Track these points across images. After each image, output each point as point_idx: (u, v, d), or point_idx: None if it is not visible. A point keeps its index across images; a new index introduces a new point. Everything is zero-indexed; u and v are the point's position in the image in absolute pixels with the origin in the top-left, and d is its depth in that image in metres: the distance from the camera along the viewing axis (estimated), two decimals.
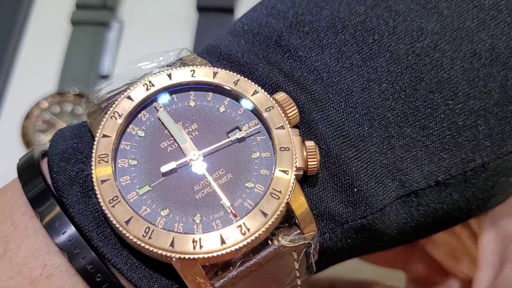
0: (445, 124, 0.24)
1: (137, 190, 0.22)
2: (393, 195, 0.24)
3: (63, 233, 0.21)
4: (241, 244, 0.21)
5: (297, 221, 0.22)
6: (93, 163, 0.22)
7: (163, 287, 0.22)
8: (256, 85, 0.24)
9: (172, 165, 0.22)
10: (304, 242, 0.22)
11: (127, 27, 0.63)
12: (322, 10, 0.25)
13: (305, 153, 0.22)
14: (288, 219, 0.22)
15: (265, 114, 0.23)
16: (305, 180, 0.24)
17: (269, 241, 0.22)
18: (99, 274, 0.21)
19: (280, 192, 0.21)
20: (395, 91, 0.24)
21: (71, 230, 0.21)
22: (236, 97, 0.24)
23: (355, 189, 0.23)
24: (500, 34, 0.24)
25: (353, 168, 0.23)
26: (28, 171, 0.23)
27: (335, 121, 0.24)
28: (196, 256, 0.20)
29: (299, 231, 0.22)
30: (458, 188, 0.25)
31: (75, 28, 0.61)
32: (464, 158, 0.24)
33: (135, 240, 0.20)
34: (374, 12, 0.25)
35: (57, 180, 0.23)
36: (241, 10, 0.62)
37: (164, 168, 0.22)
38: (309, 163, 0.22)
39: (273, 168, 0.22)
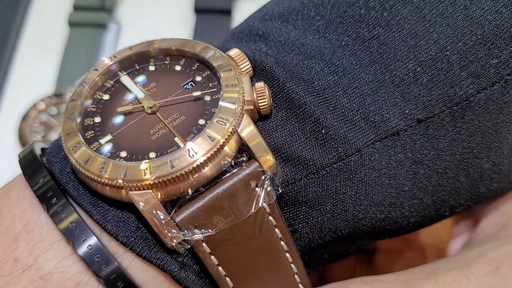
0: (412, 61, 0.24)
1: (99, 140, 0.23)
2: (369, 137, 0.23)
3: (43, 188, 0.23)
4: (190, 168, 0.21)
5: (251, 151, 0.23)
6: (61, 121, 0.24)
7: (132, 230, 0.22)
8: (209, 45, 0.26)
9: (127, 107, 0.24)
10: (259, 169, 0.22)
11: (124, 28, 0.63)
12: (290, 3, 0.28)
13: (254, 94, 0.24)
14: (246, 154, 0.23)
15: (214, 63, 0.25)
16: (262, 119, 0.24)
17: (223, 171, 0.22)
18: (73, 223, 0.22)
19: (226, 119, 0.22)
20: (356, 42, 0.25)
21: (50, 184, 0.23)
22: (190, 55, 0.26)
23: (323, 131, 0.23)
24: None
25: (318, 111, 0.23)
26: (24, 154, 0.25)
27: (298, 75, 0.24)
28: (147, 182, 0.21)
29: (257, 164, 0.22)
30: (448, 129, 0.24)
31: (73, 29, 0.61)
32: (443, 93, 0.24)
33: (92, 176, 0.21)
34: None
35: (48, 153, 0.25)
36: (238, 11, 0.62)
37: (121, 109, 0.24)
38: (259, 100, 0.23)
39: (219, 102, 0.23)
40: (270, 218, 0.24)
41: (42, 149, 0.26)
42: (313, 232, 0.25)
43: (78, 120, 0.24)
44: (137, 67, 0.26)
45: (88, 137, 0.23)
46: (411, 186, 0.25)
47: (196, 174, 0.21)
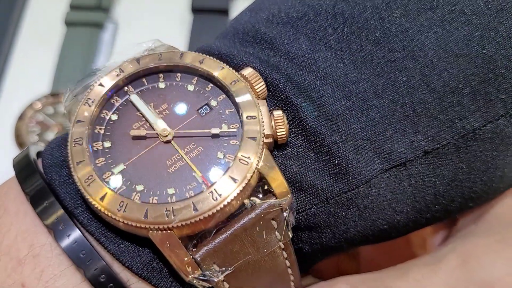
0: (425, 91, 0.24)
1: (112, 170, 0.22)
2: (378, 168, 0.24)
3: (48, 210, 0.22)
4: (214, 210, 0.21)
5: (271, 188, 0.22)
6: (68, 147, 0.22)
7: (146, 262, 0.22)
8: (223, 63, 0.25)
9: (141, 131, 0.23)
10: (280, 207, 0.22)
11: (121, 28, 0.63)
12: (295, 4, 0.26)
13: (273, 123, 0.23)
14: (264, 190, 0.23)
15: (231, 87, 0.24)
16: (278, 148, 0.24)
17: (244, 209, 0.22)
18: (83, 251, 0.21)
19: (248, 158, 0.22)
20: (370, 65, 0.24)
21: (56, 207, 0.22)
22: (203, 75, 0.25)
23: (336, 161, 0.23)
24: None
25: (332, 140, 0.23)
26: (21, 161, 0.24)
27: (311, 98, 0.24)
28: (170, 225, 0.21)
29: (274, 198, 0.22)
30: (452, 159, 0.24)
31: (69, 29, 0.61)
32: (451, 125, 0.24)
33: (110, 214, 0.21)
34: None
35: (47, 165, 0.23)
36: (235, 11, 0.62)
37: (133, 132, 0.23)
38: (278, 131, 0.23)
39: (241, 137, 0.23)
40: (284, 253, 0.24)
41: (38, 153, 0.25)
42: (314, 250, 0.26)
43: (86, 145, 0.22)
44: (146, 84, 0.25)
45: (99, 165, 0.22)
46: (409, 209, 0.25)
47: (218, 215, 0.21)
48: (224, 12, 0.61)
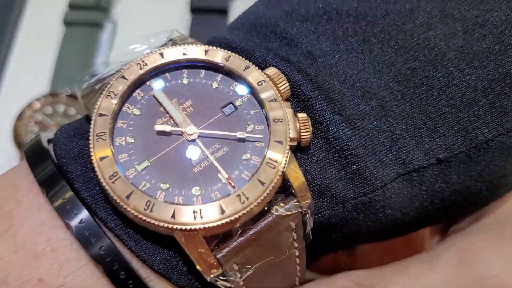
0: (443, 100, 0.24)
1: (136, 167, 0.22)
2: (394, 173, 0.24)
3: (67, 206, 0.21)
4: (240, 213, 0.21)
5: (293, 190, 0.22)
6: (91, 142, 0.22)
7: (166, 259, 0.22)
8: (248, 61, 0.24)
9: (166, 127, 0.23)
10: (300, 210, 0.22)
11: (120, 28, 0.63)
12: (316, 1, 0.26)
13: (297, 125, 0.23)
14: (284, 189, 0.23)
15: (257, 88, 0.23)
16: (300, 151, 0.24)
17: (268, 210, 0.22)
18: (103, 247, 0.21)
19: (276, 161, 0.22)
20: (390, 71, 0.24)
21: (75, 202, 0.21)
22: (228, 73, 0.24)
23: (354, 166, 0.23)
24: (491, 10, 0.24)
25: (352, 145, 0.23)
26: (33, 151, 0.23)
27: (332, 100, 0.24)
28: (197, 227, 0.21)
29: (295, 200, 0.22)
30: (462, 167, 0.25)
31: (68, 28, 0.61)
32: (465, 135, 0.24)
33: (136, 214, 0.21)
34: None
35: (61, 156, 0.23)
36: (234, 11, 0.62)
37: (158, 127, 0.23)
38: (302, 134, 0.23)
39: (268, 139, 0.22)
40: (297, 251, 0.24)
41: (49, 140, 0.25)
42: (324, 249, 0.26)
43: (110, 140, 0.22)
44: (169, 79, 0.24)
45: (122, 161, 0.22)
46: (416, 212, 0.26)
47: (244, 218, 0.21)
48: (223, 12, 0.61)
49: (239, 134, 0.23)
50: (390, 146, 0.24)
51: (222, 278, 0.22)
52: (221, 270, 0.21)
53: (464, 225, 0.29)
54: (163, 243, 0.22)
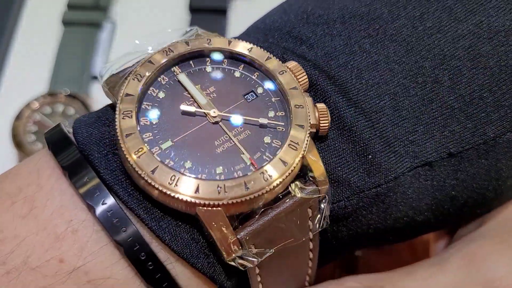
0: (452, 97, 0.25)
1: (160, 145, 0.22)
2: (407, 165, 0.25)
3: (89, 187, 0.22)
4: (263, 190, 0.21)
5: (312, 176, 0.23)
6: (117, 118, 0.22)
7: (187, 241, 0.22)
8: (269, 53, 0.25)
9: (191, 108, 0.23)
10: (319, 195, 0.23)
11: (119, 28, 0.63)
12: (330, 5, 0.28)
13: (317, 114, 0.24)
14: (303, 176, 0.23)
15: (279, 77, 0.24)
16: (318, 140, 0.25)
17: (288, 193, 0.23)
18: (124, 228, 0.21)
19: (297, 144, 0.23)
20: (403, 69, 0.25)
21: (97, 183, 0.22)
22: (250, 62, 0.25)
23: (370, 156, 0.24)
24: (496, 15, 0.26)
25: (367, 136, 0.24)
26: (56, 136, 0.24)
27: (347, 94, 0.25)
28: (221, 202, 0.21)
29: (314, 185, 0.23)
30: (472, 163, 0.26)
31: (67, 28, 0.61)
32: (475, 131, 0.25)
33: (161, 188, 0.21)
34: (378, 2, 0.27)
35: (82, 141, 0.23)
36: (233, 11, 0.62)
37: (183, 107, 0.23)
38: (321, 123, 0.24)
39: (290, 123, 0.23)
40: (310, 244, 0.25)
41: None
42: (336, 243, 0.27)
43: (135, 118, 0.22)
44: (193, 66, 0.25)
45: (146, 139, 0.22)
46: (426, 210, 0.26)
47: (266, 195, 0.22)
48: (222, 12, 0.61)
49: (261, 120, 0.24)
50: (404, 139, 0.25)
51: (243, 258, 0.22)
52: (241, 251, 0.22)
53: (469, 231, 0.30)
54: (184, 226, 0.22)
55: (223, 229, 0.21)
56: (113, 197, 0.22)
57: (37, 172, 0.23)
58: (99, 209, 0.21)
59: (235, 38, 0.28)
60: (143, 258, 0.21)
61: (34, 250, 0.21)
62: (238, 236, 0.22)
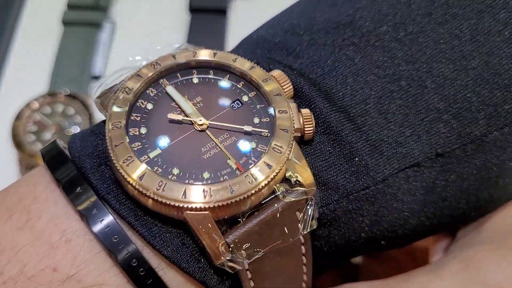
0: (437, 98, 0.25)
1: (149, 154, 0.23)
2: (395, 167, 0.25)
3: (81, 197, 0.22)
4: (249, 193, 0.22)
5: (299, 180, 0.24)
6: (107, 130, 0.23)
7: (177, 246, 0.23)
8: (254, 63, 0.26)
9: (178, 116, 0.24)
10: (306, 197, 0.23)
11: (119, 28, 0.63)
12: (315, 16, 0.28)
13: (301, 119, 0.24)
14: (289, 178, 0.24)
15: (263, 85, 0.25)
16: (304, 144, 0.25)
17: (275, 196, 0.23)
18: (116, 235, 0.22)
19: (281, 147, 0.23)
20: (386, 73, 0.26)
21: (89, 193, 0.22)
22: (235, 72, 0.26)
23: (356, 159, 0.25)
24: (476, 18, 0.26)
25: (354, 139, 0.25)
26: (52, 155, 0.25)
27: (332, 100, 0.25)
28: (207, 205, 0.21)
29: (300, 188, 0.23)
30: (460, 163, 0.26)
31: (67, 28, 0.61)
32: (462, 131, 0.26)
33: (149, 194, 0.21)
34: (360, 11, 0.28)
35: (75, 152, 0.24)
36: (233, 11, 0.62)
37: (171, 115, 0.24)
38: (306, 127, 0.24)
39: (274, 128, 0.24)
40: (302, 247, 0.25)
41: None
42: (329, 249, 0.27)
43: (125, 129, 0.23)
44: (180, 78, 0.26)
45: (135, 149, 0.23)
46: (418, 210, 0.26)
47: (252, 198, 0.22)
48: (222, 12, 0.61)
49: (245, 128, 0.24)
50: (390, 141, 0.25)
51: (230, 261, 0.22)
52: (230, 254, 0.22)
53: (464, 237, 0.30)
54: (175, 232, 0.23)
55: (211, 232, 0.22)
56: (103, 203, 0.22)
57: (34, 185, 0.24)
58: (91, 217, 0.22)
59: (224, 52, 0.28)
60: (134, 264, 0.22)
61: (30, 259, 0.22)
62: (227, 239, 0.22)
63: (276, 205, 0.23)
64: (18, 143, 0.52)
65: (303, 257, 0.26)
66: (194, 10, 0.61)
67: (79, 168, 0.23)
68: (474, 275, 0.26)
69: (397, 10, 0.27)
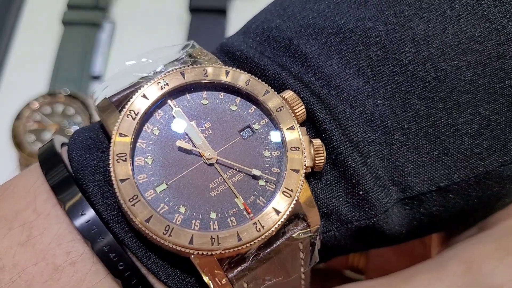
0: (448, 132, 0.24)
1: (155, 188, 0.22)
2: (395, 198, 0.25)
3: (86, 222, 0.22)
4: (256, 240, 0.22)
5: (304, 215, 0.23)
6: (111, 162, 0.22)
7: (180, 277, 0.23)
8: (267, 85, 0.25)
9: (187, 145, 0.23)
10: (310, 234, 0.23)
11: (119, 28, 0.63)
12: (331, 15, 0.26)
13: (312, 151, 0.24)
14: (296, 214, 0.24)
15: (276, 115, 0.24)
16: (312, 175, 0.25)
17: (280, 234, 0.23)
18: (121, 263, 0.21)
19: (291, 190, 0.23)
20: (399, 99, 0.24)
21: (94, 218, 0.22)
22: (247, 96, 0.25)
23: (361, 192, 0.24)
24: (504, 44, 0.24)
25: (359, 172, 0.24)
26: (49, 159, 0.24)
27: (342, 125, 0.24)
28: (214, 253, 0.21)
29: (305, 224, 0.23)
30: (461, 194, 0.26)
31: (67, 28, 0.61)
32: (467, 166, 0.25)
33: (155, 237, 0.21)
34: (381, 18, 0.25)
35: (78, 168, 0.23)
36: (233, 11, 0.62)
37: (180, 143, 0.23)
38: (317, 160, 0.24)
39: (285, 167, 0.23)
40: (302, 269, 0.25)
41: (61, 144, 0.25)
42: (326, 264, 0.28)
43: (130, 162, 0.22)
44: (189, 99, 0.25)
45: (141, 181, 0.22)
46: (413, 229, 0.27)
47: (258, 243, 0.22)
48: (222, 11, 0.61)
49: (254, 171, 0.23)
50: (393, 173, 0.25)
51: None
52: None
53: (465, 234, 0.30)
54: (177, 262, 0.23)
55: (215, 271, 0.22)
56: (111, 235, 0.22)
57: (34, 194, 0.23)
58: (97, 245, 0.21)
59: (229, 42, 0.27)
60: None
61: (34, 280, 0.21)
62: (230, 276, 0.22)
63: (280, 242, 0.23)
64: (18, 143, 0.52)
65: (302, 275, 0.26)
66: (194, 10, 0.61)
67: (80, 185, 0.23)
68: (474, 278, 0.26)
69: (417, 24, 0.24)
